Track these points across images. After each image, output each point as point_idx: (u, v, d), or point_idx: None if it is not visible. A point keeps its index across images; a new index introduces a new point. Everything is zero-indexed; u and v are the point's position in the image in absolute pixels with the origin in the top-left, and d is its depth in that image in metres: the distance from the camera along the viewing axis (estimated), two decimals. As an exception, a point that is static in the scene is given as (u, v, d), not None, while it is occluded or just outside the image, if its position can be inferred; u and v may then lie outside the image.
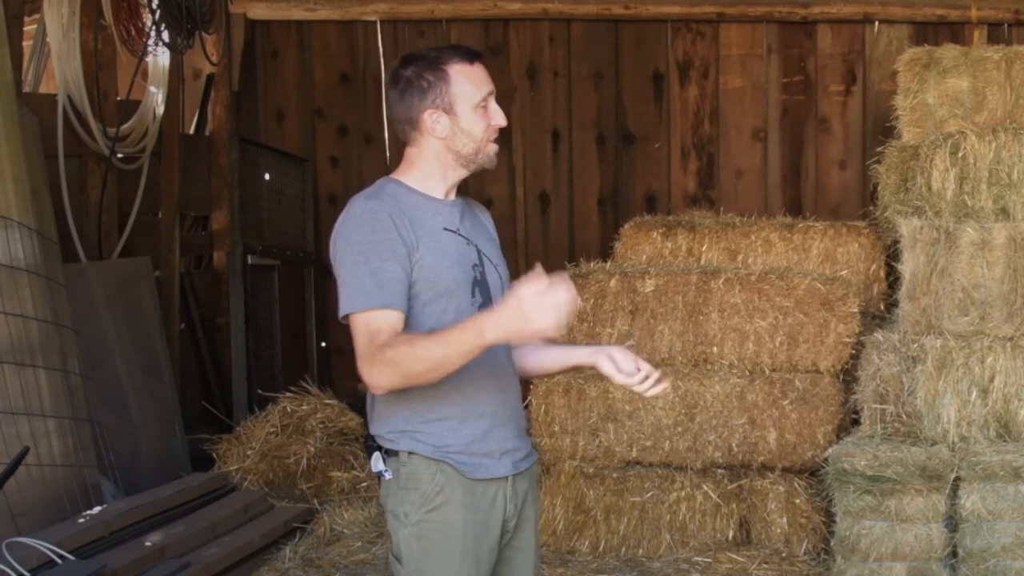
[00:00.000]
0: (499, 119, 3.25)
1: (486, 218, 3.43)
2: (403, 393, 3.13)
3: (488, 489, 3.21)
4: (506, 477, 3.24)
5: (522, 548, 3.34)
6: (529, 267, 2.98)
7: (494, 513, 3.22)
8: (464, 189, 3.38)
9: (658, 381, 3.26)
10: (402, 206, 3.16)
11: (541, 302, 2.88)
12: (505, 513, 3.25)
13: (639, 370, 3.25)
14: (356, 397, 7.81)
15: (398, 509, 3.18)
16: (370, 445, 3.24)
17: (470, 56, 3.23)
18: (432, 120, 3.20)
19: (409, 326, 3.11)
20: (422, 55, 3.25)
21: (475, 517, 3.19)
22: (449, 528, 3.16)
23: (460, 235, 3.23)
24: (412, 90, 3.20)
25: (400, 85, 3.23)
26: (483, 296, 3.21)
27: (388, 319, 3.07)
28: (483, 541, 3.21)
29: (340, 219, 3.19)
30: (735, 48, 9.85)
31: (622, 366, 3.27)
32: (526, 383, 6.98)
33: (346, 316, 3.11)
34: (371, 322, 3.06)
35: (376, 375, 3.05)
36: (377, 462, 3.21)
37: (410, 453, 3.16)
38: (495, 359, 3.21)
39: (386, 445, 3.19)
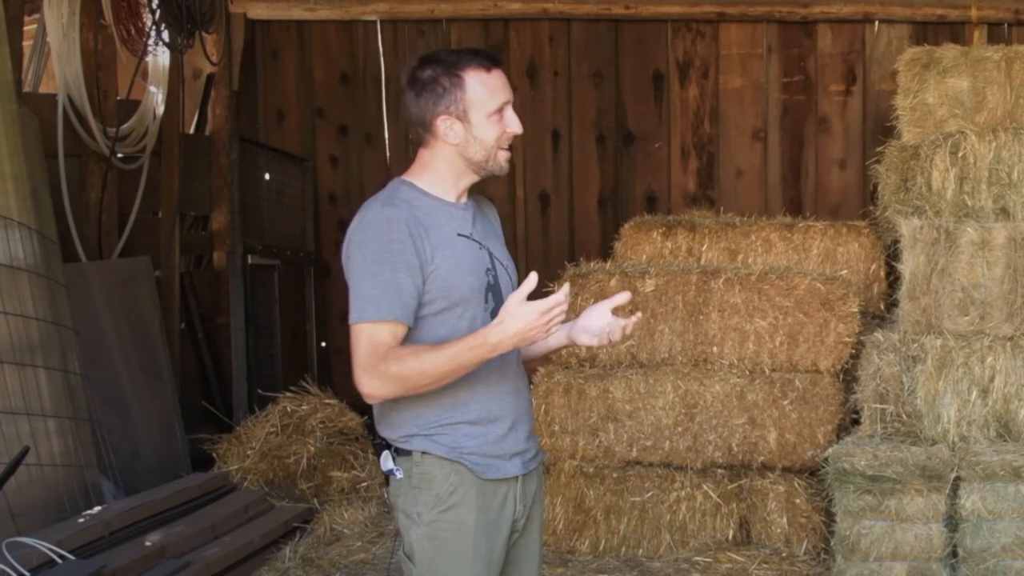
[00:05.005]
0: (514, 127, 3.24)
1: (493, 215, 3.44)
2: (415, 401, 3.14)
3: (499, 489, 3.22)
4: (516, 477, 3.26)
5: (528, 547, 3.35)
6: (529, 268, 3.00)
7: (504, 513, 3.24)
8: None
9: (630, 313, 3.40)
10: (417, 213, 3.14)
11: (535, 310, 2.96)
12: (515, 513, 3.26)
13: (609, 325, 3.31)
14: (356, 396, 7.79)
15: (410, 509, 3.18)
16: (378, 443, 3.23)
17: (488, 63, 3.20)
18: (446, 126, 3.18)
19: (422, 333, 3.12)
20: (440, 58, 3.22)
21: (487, 517, 3.20)
22: (462, 528, 3.17)
23: (473, 239, 3.23)
24: (427, 94, 3.18)
25: (416, 87, 3.20)
26: (495, 301, 3.20)
27: (394, 332, 3.07)
28: (494, 541, 3.22)
29: (354, 224, 3.16)
30: (735, 48, 9.84)
31: (596, 333, 3.32)
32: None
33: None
34: (375, 333, 3.06)
35: (376, 386, 3.07)
36: (387, 460, 3.20)
37: (423, 453, 3.16)
38: (506, 364, 3.23)
39: (397, 445, 3.19)
